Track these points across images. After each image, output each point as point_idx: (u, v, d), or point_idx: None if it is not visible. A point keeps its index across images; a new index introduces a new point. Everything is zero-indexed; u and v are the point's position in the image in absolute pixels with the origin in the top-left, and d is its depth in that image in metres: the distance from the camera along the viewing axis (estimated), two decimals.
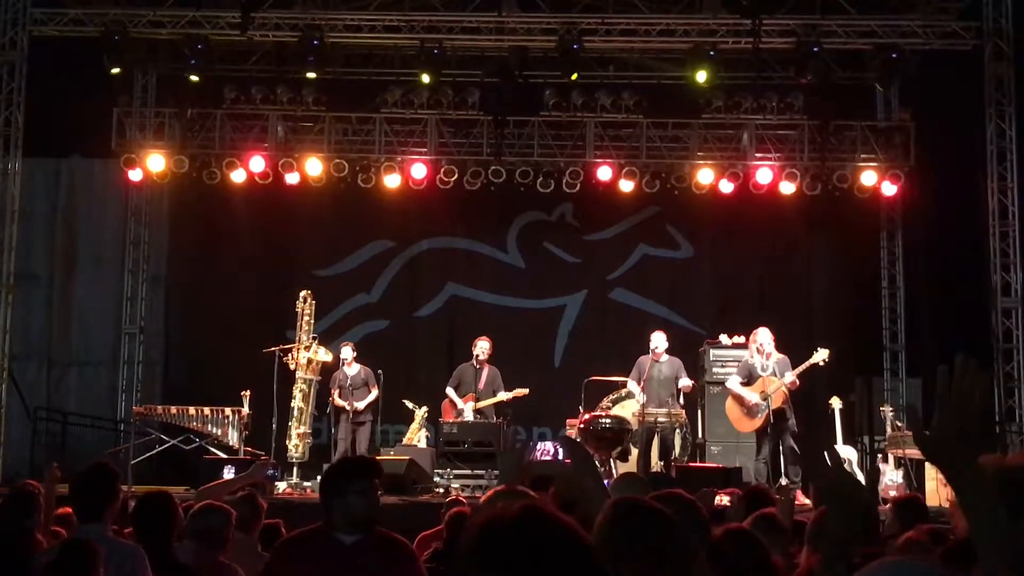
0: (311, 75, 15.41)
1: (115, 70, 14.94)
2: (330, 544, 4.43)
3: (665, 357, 13.22)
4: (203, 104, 15.99)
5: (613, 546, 2.58)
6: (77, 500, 5.40)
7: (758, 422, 12.46)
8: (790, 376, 12.27)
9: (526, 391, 13.94)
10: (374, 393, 13.92)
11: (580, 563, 1.89)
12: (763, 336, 12.60)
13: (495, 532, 1.94)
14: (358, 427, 13.87)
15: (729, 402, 12.89)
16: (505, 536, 1.91)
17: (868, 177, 15.60)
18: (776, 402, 12.28)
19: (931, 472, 13.20)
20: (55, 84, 15.37)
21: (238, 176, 15.83)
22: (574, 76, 15.00)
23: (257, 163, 15.69)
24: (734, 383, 12.69)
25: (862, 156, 15.80)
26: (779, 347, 12.69)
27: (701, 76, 14.66)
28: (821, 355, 12.38)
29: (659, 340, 13.22)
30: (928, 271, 16.61)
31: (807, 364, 12.35)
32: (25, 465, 14.42)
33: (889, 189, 15.72)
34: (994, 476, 2.30)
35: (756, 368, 12.54)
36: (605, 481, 3.82)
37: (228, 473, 11.90)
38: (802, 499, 11.70)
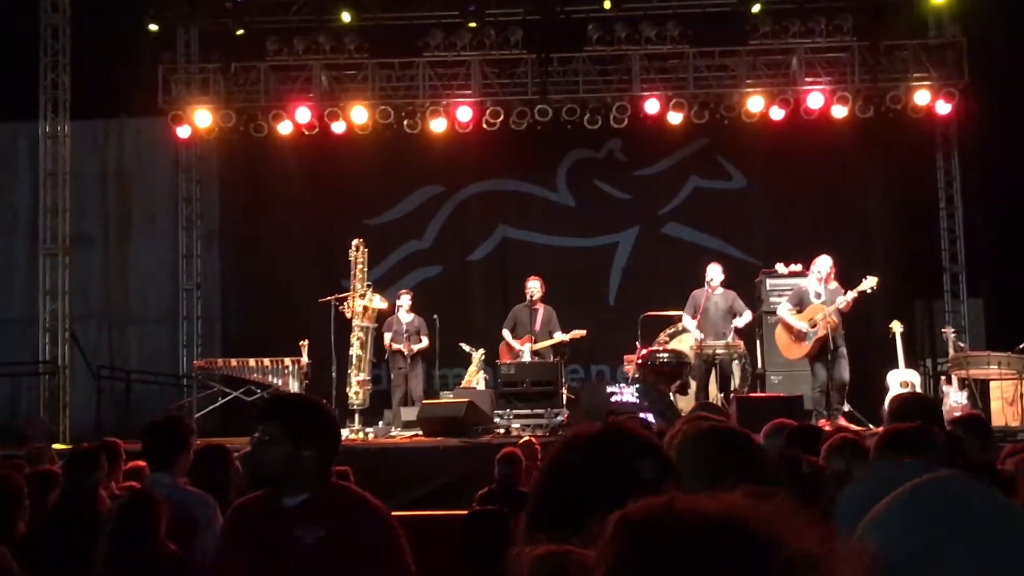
0: (347, 17, 15.32)
1: (154, 27, 14.95)
2: (272, 508, 3.67)
3: (720, 290, 13.13)
4: (246, 57, 15.98)
5: (693, 468, 2.57)
6: (148, 449, 5.47)
7: (805, 348, 12.34)
8: (842, 301, 12.11)
9: (583, 333, 13.90)
10: (425, 341, 14.03)
11: (660, 469, 1.89)
12: (821, 263, 12.43)
13: (579, 446, 1.95)
14: (411, 372, 13.98)
15: (778, 329, 12.81)
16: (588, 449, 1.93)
17: (921, 97, 15.29)
18: (823, 330, 12.13)
19: (996, 392, 13.07)
20: (99, 46, 15.42)
21: (285, 128, 15.83)
22: (607, 3, 14.81)
23: (303, 114, 15.68)
24: (783, 310, 12.59)
25: (914, 75, 15.48)
26: (838, 274, 12.53)
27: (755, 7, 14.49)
28: (870, 282, 12.19)
29: (715, 272, 13.11)
30: (985, 190, 16.32)
31: (856, 292, 12.17)
32: (91, 424, 14.65)
33: (943, 108, 15.39)
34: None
35: (809, 295, 12.41)
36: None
37: None
38: (843, 422, 11.68)
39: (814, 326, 12.18)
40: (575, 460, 1.95)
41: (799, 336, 12.38)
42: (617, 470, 1.87)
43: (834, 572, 1.10)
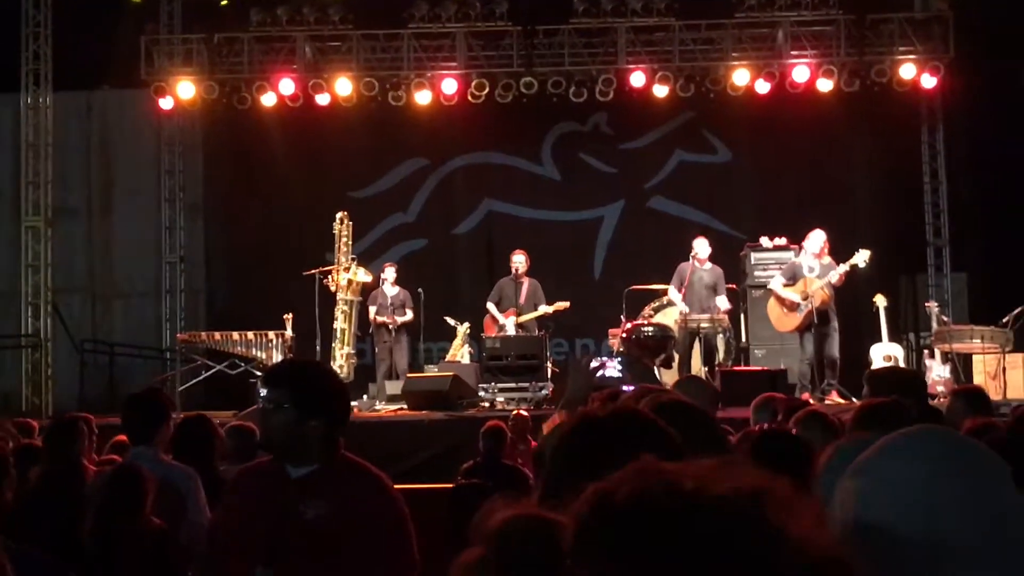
0: None
1: None
2: (277, 479, 3.56)
3: (708, 264, 13.16)
4: (230, 28, 15.89)
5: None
6: (129, 423, 5.46)
7: (797, 320, 12.39)
8: (835, 275, 12.15)
9: (567, 304, 13.93)
10: (409, 314, 14.03)
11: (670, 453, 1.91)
12: (816, 238, 12.46)
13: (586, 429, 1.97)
14: (396, 345, 13.98)
15: (771, 301, 12.85)
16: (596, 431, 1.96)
17: (907, 70, 15.29)
18: (816, 303, 12.18)
19: (979, 366, 13.14)
20: (81, 16, 15.31)
21: (268, 100, 15.74)
22: None
23: (287, 86, 15.60)
24: (777, 283, 12.63)
25: (900, 49, 15.47)
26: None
27: None
28: (862, 256, 12.23)
29: (701, 247, 13.14)
30: (970, 164, 16.35)
31: (847, 265, 12.22)
32: (74, 398, 14.62)
33: (928, 82, 15.39)
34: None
35: (802, 268, 12.45)
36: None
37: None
38: (836, 399, 11.75)
39: (806, 298, 12.22)
40: (587, 443, 1.98)
41: (791, 307, 12.42)
42: (628, 455, 1.89)
43: (794, 518, 1.11)
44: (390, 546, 3.51)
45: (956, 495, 1.54)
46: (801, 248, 12.91)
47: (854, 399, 11.18)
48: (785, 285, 12.50)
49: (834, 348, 12.30)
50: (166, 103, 16.01)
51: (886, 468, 1.59)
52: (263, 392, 3.58)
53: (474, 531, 1.67)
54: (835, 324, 12.37)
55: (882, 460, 1.62)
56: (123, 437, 6.20)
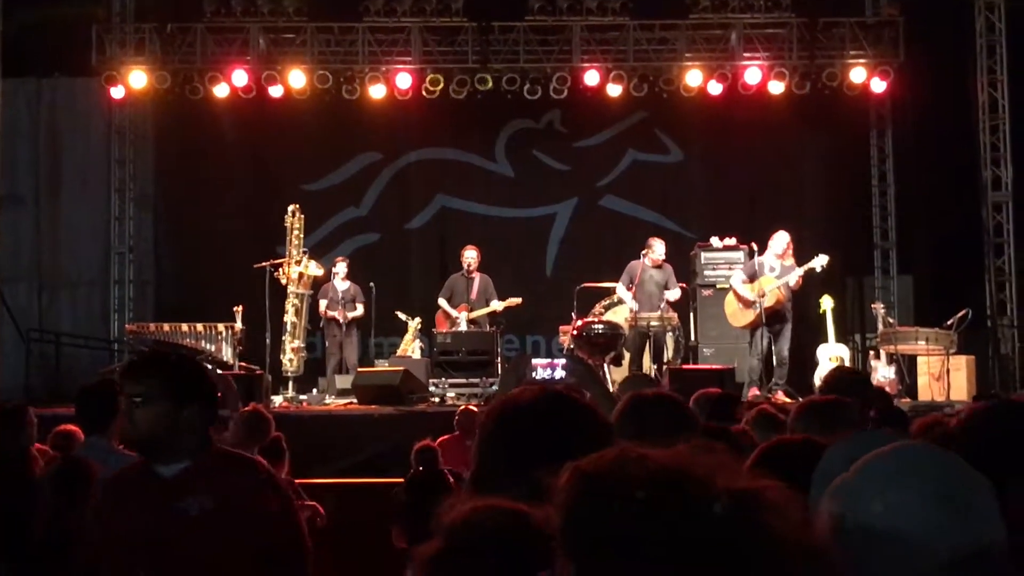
0: None
1: None
2: (149, 480, 3.38)
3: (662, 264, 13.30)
4: (182, 18, 15.75)
5: (630, 430, 2.63)
6: (82, 414, 5.42)
7: (751, 316, 12.57)
8: (793, 278, 12.33)
9: (519, 300, 13.97)
10: (360, 309, 14.01)
11: (599, 434, 1.92)
12: (779, 239, 12.64)
13: (515, 413, 1.98)
14: (346, 340, 13.96)
15: (729, 296, 13.06)
16: (526, 415, 1.96)
17: (857, 74, 15.46)
18: (770, 302, 12.35)
19: (923, 367, 13.32)
20: (33, 2, 15.13)
21: (221, 91, 15.63)
22: None
23: (240, 77, 15.50)
24: (736, 279, 12.86)
25: (851, 53, 15.64)
26: (767, 248, 12.74)
27: None
28: (820, 261, 12.45)
29: (658, 248, 13.25)
30: (918, 168, 16.55)
31: (804, 268, 12.40)
32: (20, 387, 14.45)
33: (878, 86, 15.58)
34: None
35: (763, 268, 12.62)
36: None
37: None
38: (782, 398, 11.88)
39: (762, 296, 12.38)
40: (517, 424, 1.99)
41: (747, 304, 12.59)
42: (558, 433, 1.91)
43: (765, 503, 1.14)
44: (280, 534, 3.43)
45: (947, 520, 1.52)
46: (752, 248, 13.07)
47: (800, 398, 11.29)
48: (744, 283, 12.67)
49: (784, 348, 12.52)
50: (117, 92, 15.85)
51: (884, 495, 1.56)
52: (129, 387, 3.38)
53: (435, 524, 1.68)
54: (789, 324, 12.56)
55: (872, 484, 1.59)
56: (67, 427, 6.14)
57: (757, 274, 12.64)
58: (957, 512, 1.54)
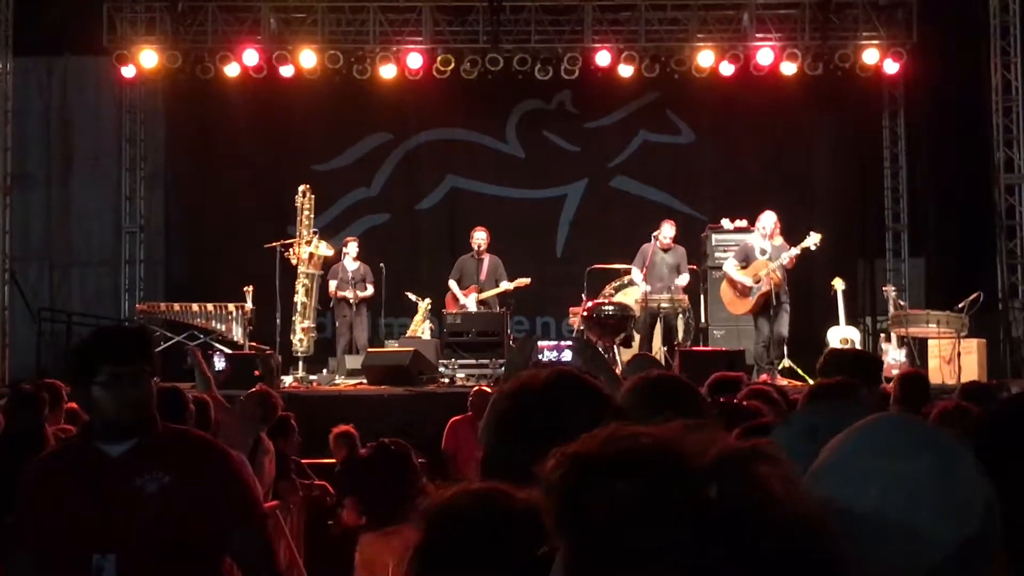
0: None
1: None
2: (91, 458, 3.24)
3: (671, 246, 13.26)
4: None
5: (639, 411, 2.62)
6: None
7: (749, 303, 12.53)
8: (786, 258, 12.27)
9: (528, 281, 13.98)
10: (370, 290, 14.01)
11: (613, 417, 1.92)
12: (766, 219, 12.57)
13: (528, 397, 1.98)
14: (356, 320, 13.97)
15: (723, 284, 12.98)
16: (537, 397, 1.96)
17: (870, 55, 15.39)
18: (767, 285, 12.29)
19: (934, 350, 13.29)
20: None
21: (232, 70, 15.60)
22: None
23: (251, 56, 15.47)
24: (729, 265, 12.77)
25: (864, 34, 15.58)
26: (782, 230, 12.67)
27: None
28: (813, 239, 12.38)
29: (667, 230, 13.22)
30: (931, 149, 16.50)
31: (798, 248, 12.34)
32: (31, 366, 14.50)
33: (891, 67, 15.51)
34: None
35: (754, 251, 12.55)
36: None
37: (219, 363, 12.04)
38: (780, 380, 11.86)
39: (758, 281, 12.33)
40: (530, 407, 1.99)
41: (743, 291, 12.54)
42: (572, 415, 1.90)
43: (754, 468, 1.13)
44: (238, 503, 3.40)
45: (931, 491, 1.51)
46: (753, 229, 13.02)
47: (809, 380, 11.29)
48: (738, 266, 12.62)
49: (783, 327, 12.47)
50: (128, 71, 15.85)
51: (865, 469, 1.50)
52: (119, 367, 3.21)
53: (414, 515, 1.66)
54: (786, 305, 12.51)
55: (852, 458, 1.53)
56: (75, 404, 6.17)
57: (750, 257, 12.59)
58: (952, 491, 1.52)
